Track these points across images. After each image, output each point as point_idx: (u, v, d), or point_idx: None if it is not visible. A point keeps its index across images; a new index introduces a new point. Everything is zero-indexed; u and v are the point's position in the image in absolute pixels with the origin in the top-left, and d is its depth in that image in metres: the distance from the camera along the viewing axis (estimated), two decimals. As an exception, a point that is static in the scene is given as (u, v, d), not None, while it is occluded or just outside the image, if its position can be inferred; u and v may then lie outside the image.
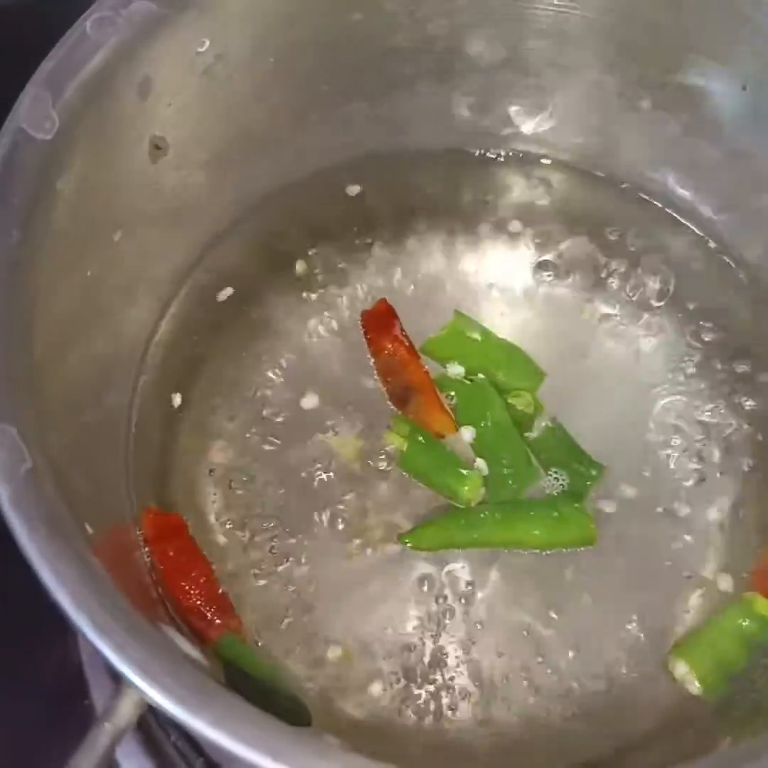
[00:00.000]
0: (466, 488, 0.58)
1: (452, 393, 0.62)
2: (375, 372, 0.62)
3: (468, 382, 0.62)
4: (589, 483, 0.59)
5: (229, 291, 0.63)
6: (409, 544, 0.57)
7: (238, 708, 0.36)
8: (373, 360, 0.63)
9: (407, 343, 0.62)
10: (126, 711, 0.37)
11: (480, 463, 0.60)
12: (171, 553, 0.55)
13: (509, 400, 0.61)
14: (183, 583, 0.54)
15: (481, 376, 0.62)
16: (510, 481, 0.59)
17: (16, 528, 0.38)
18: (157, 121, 0.53)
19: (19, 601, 0.60)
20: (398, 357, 0.62)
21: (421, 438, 0.60)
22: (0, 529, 0.42)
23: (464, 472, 0.59)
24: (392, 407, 0.61)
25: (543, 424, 0.61)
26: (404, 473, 0.59)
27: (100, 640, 0.36)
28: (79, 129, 0.47)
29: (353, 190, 0.67)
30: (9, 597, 0.60)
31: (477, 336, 0.63)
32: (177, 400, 0.60)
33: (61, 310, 0.48)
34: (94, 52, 0.47)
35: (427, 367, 0.62)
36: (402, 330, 0.63)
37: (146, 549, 0.55)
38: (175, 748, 0.59)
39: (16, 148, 0.45)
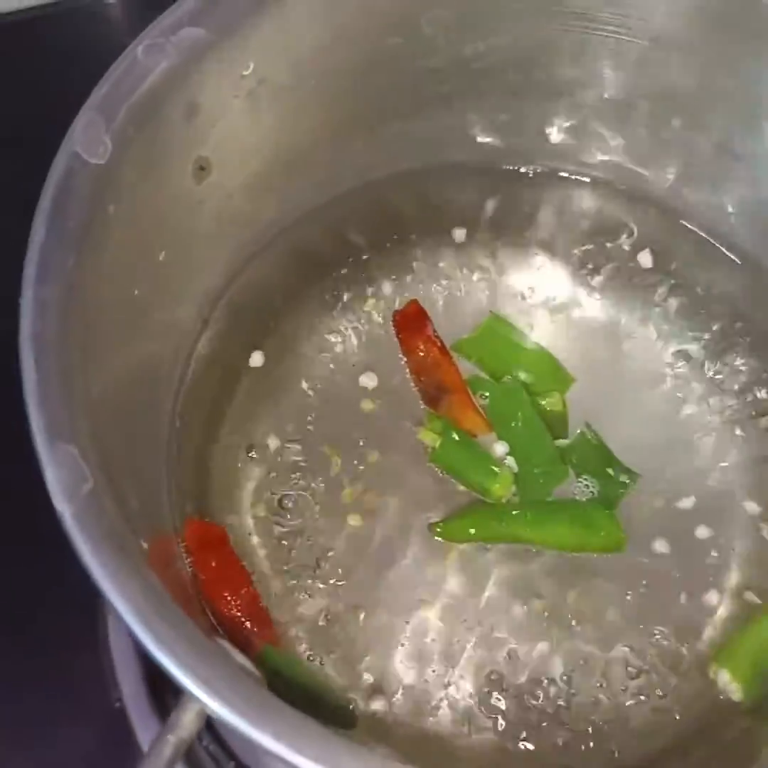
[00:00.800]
0: (498, 485, 0.60)
1: (485, 393, 0.63)
2: (407, 371, 0.64)
3: (499, 383, 0.63)
4: (621, 490, 0.60)
5: (267, 304, 0.65)
6: (440, 535, 0.59)
7: (297, 721, 0.37)
8: (404, 360, 0.64)
9: (439, 344, 0.64)
10: (188, 722, 0.38)
11: (510, 460, 0.61)
12: (213, 564, 0.56)
13: (539, 400, 0.63)
14: (225, 594, 0.55)
15: (509, 377, 0.63)
16: (540, 480, 0.61)
17: (79, 546, 0.39)
18: (202, 142, 0.53)
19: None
20: (431, 357, 0.63)
21: (454, 435, 0.61)
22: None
23: (496, 469, 0.60)
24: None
25: (577, 430, 0.62)
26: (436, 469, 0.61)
27: (164, 655, 0.37)
28: (129, 153, 0.48)
29: (390, 206, 0.68)
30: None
31: (509, 337, 0.65)
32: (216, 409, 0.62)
33: (111, 329, 0.49)
34: (144, 78, 0.48)
35: (459, 367, 0.64)
36: (434, 331, 0.64)
37: (188, 560, 0.56)
38: (207, 751, 0.60)
39: (70, 172, 0.46)
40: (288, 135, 0.59)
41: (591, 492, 0.61)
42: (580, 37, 0.60)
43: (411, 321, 0.65)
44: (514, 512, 0.59)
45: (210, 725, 0.61)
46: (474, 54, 0.60)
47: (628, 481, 0.60)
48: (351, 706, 0.54)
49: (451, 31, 0.58)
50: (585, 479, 0.61)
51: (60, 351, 0.43)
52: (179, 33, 0.49)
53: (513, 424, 0.62)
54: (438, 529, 0.59)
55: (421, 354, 0.64)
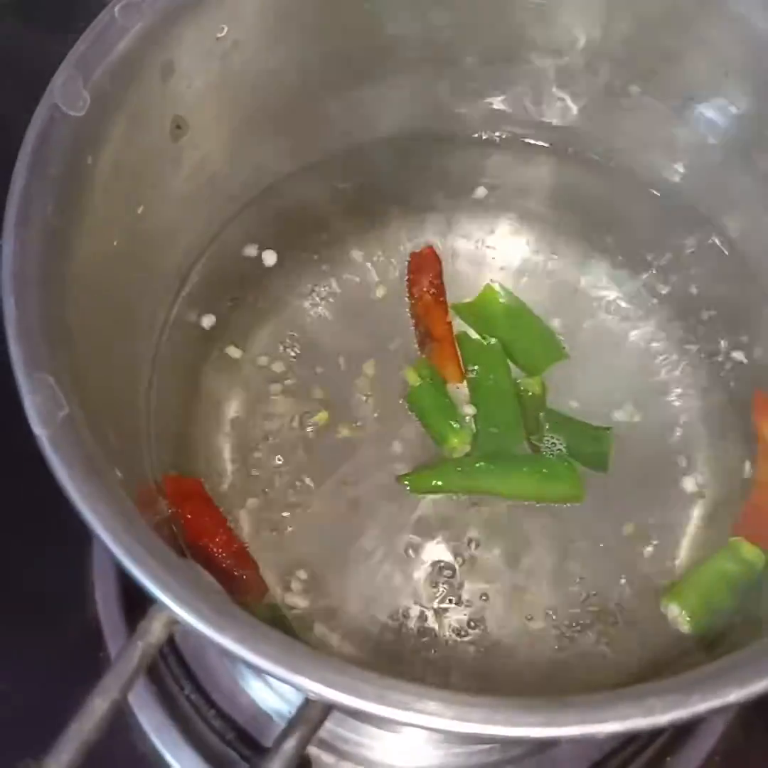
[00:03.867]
0: (456, 439, 0.62)
1: (466, 349, 0.66)
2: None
3: (482, 342, 0.66)
4: (604, 451, 0.63)
5: (249, 257, 0.67)
6: (408, 486, 0.62)
7: (259, 628, 0.39)
8: (410, 303, 0.67)
9: (437, 292, 0.67)
10: (156, 630, 0.40)
11: (469, 410, 0.64)
12: (188, 514, 0.58)
13: (518, 381, 0.65)
14: (203, 540, 0.57)
15: (493, 340, 0.66)
16: (496, 439, 0.63)
17: (56, 468, 0.41)
18: (178, 102, 0.56)
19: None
20: (426, 302, 0.66)
21: (432, 382, 0.64)
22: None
23: (456, 425, 0.63)
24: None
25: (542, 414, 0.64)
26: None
27: (136, 567, 0.39)
28: (107, 108, 0.50)
29: (366, 172, 0.70)
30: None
31: (507, 304, 0.67)
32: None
33: (90, 277, 0.51)
34: (121, 37, 0.51)
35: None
36: (440, 279, 0.67)
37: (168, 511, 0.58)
38: (189, 700, 0.63)
39: (51, 123, 0.48)
40: (262, 98, 0.61)
41: (558, 449, 0.63)
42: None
43: (423, 262, 0.68)
44: (477, 465, 0.62)
45: (191, 676, 0.64)
46: (441, 22, 0.62)
47: (606, 438, 0.63)
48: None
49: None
50: (553, 437, 0.63)
51: (39, 290, 0.45)
52: (155, -6, 0.51)
53: (484, 383, 0.65)
54: (406, 482, 0.62)
55: (420, 297, 0.66)
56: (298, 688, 0.37)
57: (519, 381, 0.65)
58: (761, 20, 0.56)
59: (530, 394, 0.64)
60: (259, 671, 0.38)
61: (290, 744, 0.38)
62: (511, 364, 0.66)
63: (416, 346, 0.66)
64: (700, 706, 0.36)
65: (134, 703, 0.62)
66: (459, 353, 0.66)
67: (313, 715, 0.40)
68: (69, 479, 0.41)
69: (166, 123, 0.56)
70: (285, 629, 0.55)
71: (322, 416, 0.64)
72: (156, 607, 0.40)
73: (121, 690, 0.39)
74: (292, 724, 0.39)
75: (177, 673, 0.63)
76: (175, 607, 0.39)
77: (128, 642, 0.40)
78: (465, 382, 0.65)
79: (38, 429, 0.41)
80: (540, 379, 0.65)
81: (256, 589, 0.58)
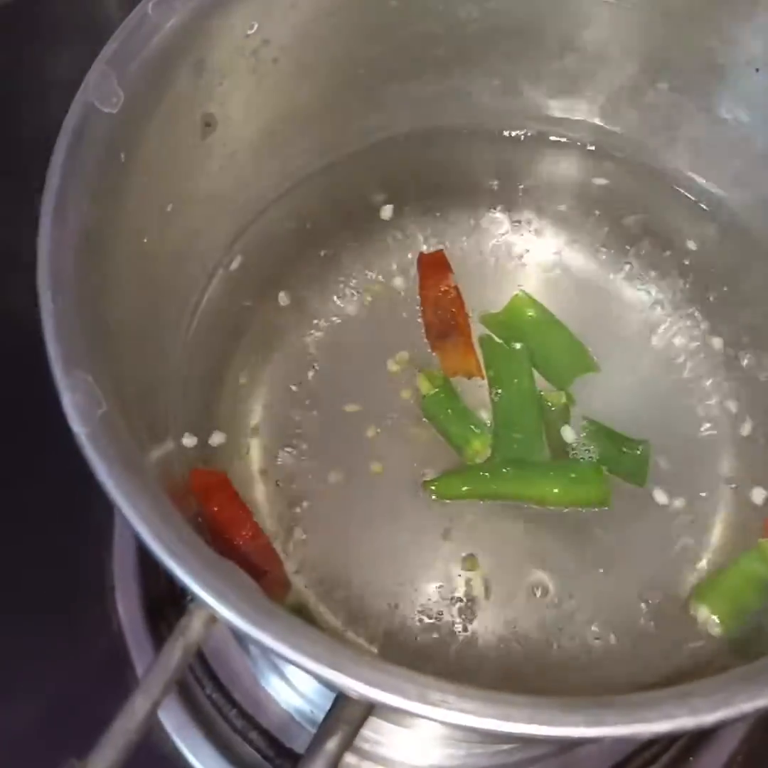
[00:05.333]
0: (477, 443, 0.62)
1: (490, 353, 0.65)
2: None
3: (507, 346, 0.65)
4: (643, 463, 0.62)
5: (272, 263, 0.67)
6: (434, 492, 0.61)
7: (299, 626, 0.39)
8: (420, 297, 0.67)
9: (451, 289, 0.66)
10: (196, 627, 0.40)
11: (485, 414, 0.63)
12: (215, 508, 0.58)
13: (544, 394, 0.64)
14: (229, 534, 0.57)
15: (519, 345, 0.65)
16: (515, 446, 0.62)
17: (96, 465, 0.41)
18: (209, 99, 0.56)
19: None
20: (449, 296, 0.66)
21: (447, 388, 0.63)
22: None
23: (476, 430, 0.62)
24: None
25: (581, 424, 0.63)
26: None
27: (177, 565, 0.39)
28: (141, 104, 0.51)
29: (390, 170, 0.70)
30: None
31: (536, 318, 0.66)
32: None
33: (122, 275, 0.51)
34: (154, 33, 0.51)
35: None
36: (451, 279, 0.66)
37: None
38: (210, 700, 0.63)
39: (85, 121, 0.48)
40: (290, 96, 0.61)
41: (591, 457, 0.62)
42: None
43: (435, 263, 0.67)
44: (504, 470, 0.61)
45: (213, 675, 0.64)
46: (468, 18, 0.62)
47: (643, 450, 0.62)
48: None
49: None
50: (587, 447, 0.62)
51: (76, 288, 0.45)
52: (187, -9, 0.52)
53: (507, 387, 0.64)
54: (432, 487, 0.61)
55: (440, 290, 0.66)
56: (340, 687, 0.37)
57: (543, 393, 0.64)
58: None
59: (553, 406, 0.63)
60: (300, 669, 0.38)
61: (332, 744, 0.38)
62: (539, 375, 0.65)
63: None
64: (746, 705, 0.36)
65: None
66: (477, 351, 0.65)
67: (353, 715, 0.40)
68: (109, 477, 0.41)
69: (196, 120, 0.56)
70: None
71: (352, 408, 0.63)
72: (195, 605, 0.40)
73: (163, 689, 0.39)
74: (330, 724, 0.39)
75: (198, 673, 0.63)
76: (217, 605, 0.39)
77: (169, 640, 0.40)
78: (485, 382, 0.64)
79: (78, 427, 0.41)
80: (566, 392, 0.64)
81: (281, 586, 0.58)
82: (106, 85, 0.49)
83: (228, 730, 0.62)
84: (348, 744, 0.39)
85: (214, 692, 0.63)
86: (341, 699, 0.40)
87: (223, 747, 0.62)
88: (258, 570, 0.56)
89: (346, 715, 0.40)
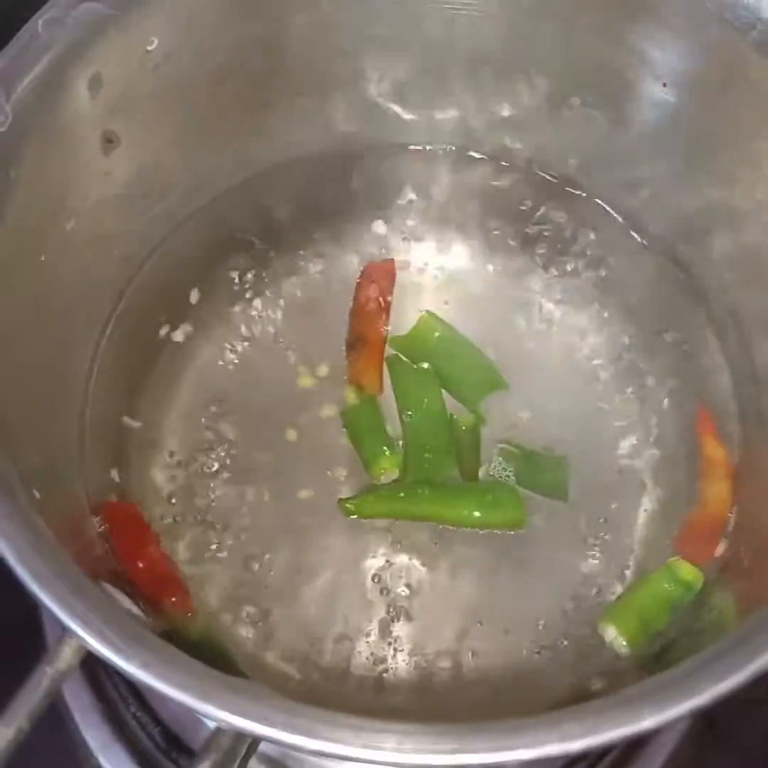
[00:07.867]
0: (384, 463, 0.62)
1: (397, 372, 0.65)
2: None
3: (414, 366, 0.65)
4: (562, 478, 0.62)
5: (183, 280, 0.66)
6: (350, 511, 0.61)
7: (168, 654, 0.39)
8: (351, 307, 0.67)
9: (385, 303, 0.66)
10: (66, 656, 0.39)
11: (390, 430, 0.63)
12: (121, 533, 0.57)
13: (455, 416, 0.64)
14: (133, 557, 0.57)
15: (425, 365, 0.65)
16: (426, 466, 0.62)
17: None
18: (109, 116, 0.55)
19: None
20: (368, 307, 0.66)
21: (369, 403, 0.63)
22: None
23: (387, 452, 0.62)
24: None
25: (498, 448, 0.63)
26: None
27: (41, 592, 0.39)
28: (32, 122, 0.50)
29: (303, 186, 0.69)
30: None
31: (442, 336, 0.66)
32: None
33: (19, 287, 0.51)
34: (45, 51, 0.50)
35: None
36: (390, 293, 0.66)
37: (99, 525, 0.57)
38: (136, 719, 0.62)
39: (-31, 137, 0.47)
40: (197, 111, 0.60)
41: (507, 475, 0.62)
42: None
43: (380, 272, 0.67)
44: (420, 491, 0.61)
45: (138, 694, 0.63)
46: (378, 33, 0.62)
47: (559, 468, 0.62)
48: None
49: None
50: (504, 467, 0.62)
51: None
52: (79, 7, 0.51)
53: (417, 408, 0.64)
54: (349, 506, 0.61)
55: (366, 303, 0.66)
56: (203, 714, 0.36)
57: (454, 416, 0.64)
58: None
59: (464, 426, 0.63)
60: (165, 697, 0.37)
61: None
62: (448, 395, 0.65)
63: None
64: (612, 733, 0.36)
65: (81, 723, 0.62)
66: (383, 367, 0.65)
67: (224, 742, 0.39)
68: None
69: (96, 136, 0.55)
70: (219, 653, 0.56)
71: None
72: (66, 633, 0.39)
73: (28, 717, 0.38)
74: (202, 750, 0.39)
75: (124, 693, 0.62)
76: (81, 632, 0.38)
77: (36, 668, 0.39)
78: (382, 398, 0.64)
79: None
80: (476, 412, 0.64)
81: (183, 611, 0.57)
82: (-7, 103, 0.48)
83: (152, 747, 0.61)
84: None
85: (139, 711, 0.63)
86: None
87: (146, 765, 0.61)
88: (160, 597, 0.56)
89: (216, 743, 0.39)
